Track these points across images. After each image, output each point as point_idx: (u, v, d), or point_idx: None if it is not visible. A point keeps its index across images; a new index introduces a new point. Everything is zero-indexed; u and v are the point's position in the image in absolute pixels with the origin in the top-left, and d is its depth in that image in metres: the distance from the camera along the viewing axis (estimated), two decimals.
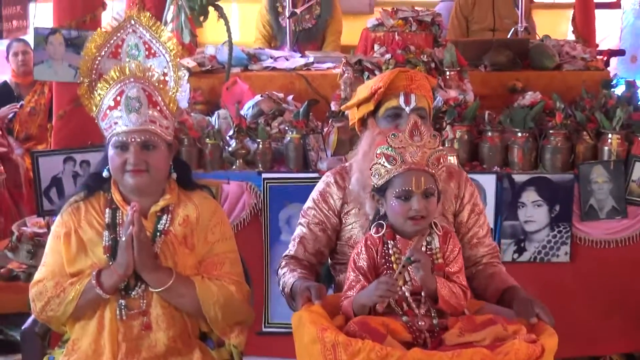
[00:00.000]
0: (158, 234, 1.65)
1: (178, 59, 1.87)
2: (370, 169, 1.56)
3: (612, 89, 2.95)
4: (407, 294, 1.49)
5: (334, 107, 2.86)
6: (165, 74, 1.74)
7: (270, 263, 2.64)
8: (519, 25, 3.67)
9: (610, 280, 2.64)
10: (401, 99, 1.75)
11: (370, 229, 1.59)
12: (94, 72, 1.72)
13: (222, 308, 1.64)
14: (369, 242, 1.56)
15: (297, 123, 2.66)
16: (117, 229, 1.64)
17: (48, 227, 2.84)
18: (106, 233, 1.62)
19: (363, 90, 1.81)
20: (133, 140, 1.59)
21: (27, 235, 2.74)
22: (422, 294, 1.50)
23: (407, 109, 1.72)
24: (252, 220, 2.63)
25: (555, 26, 4.62)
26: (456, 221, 1.81)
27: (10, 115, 4.05)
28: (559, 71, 3.23)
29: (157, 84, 1.67)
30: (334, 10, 4.02)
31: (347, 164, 1.88)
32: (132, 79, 1.60)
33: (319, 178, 2.33)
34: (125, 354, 1.59)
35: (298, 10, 3.72)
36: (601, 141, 2.59)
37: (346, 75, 2.85)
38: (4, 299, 2.76)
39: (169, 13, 3.10)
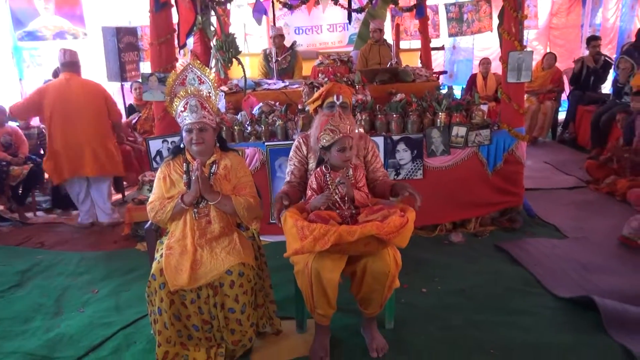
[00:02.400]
0: (211, 174, 2.41)
1: (216, 84, 2.56)
2: (318, 137, 2.32)
3: (440, 90, 4.48)
4: (337, 198, 2.33)
5: (300, 106, 4.10)
6: (209, 93, 2.50)
7: (272, 188, 3.94)
8: (393, 60, 5.20)
9: (443, 186, 3.94)
10: (334, 98, 2.58)
11: (316, 168, 2.39)
12: (171, 93, 2.49)
13: (247, 210, 2.37)
14: (316, 175, 2.39)
15: (282, 116, 3.98)
16: (189, 173, 2.37)
17: None
18: (184, 176, 2.39)
19: (315, 95, 2.74)
20: (195, 127, 2.32)
21: (147, 180, 4.09)
22: (345, 198, 2.31)
23: (337, 103, 2.58)
24: (261, 166, 3.92)
25: (411, 60, 6.32)
26: (364, 160, 2.60)
27: (134, 121, 5.69)
28: (414, 83, 4.63)
29: (205, 97, 2.42)
30: (298, 58, 5.69)
31: (308, 132, 2.63)
32: (192, 96, 2.36)
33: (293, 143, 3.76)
34: (199, 236, 2.38)
35: (279, 59, 5.36)
36: (436, 116, 3.93)
37: (305, 90, 4.25)
38: (138, 214, 4.03)
39: (212, 61, 4.53)
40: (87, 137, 4.38)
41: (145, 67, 7.29)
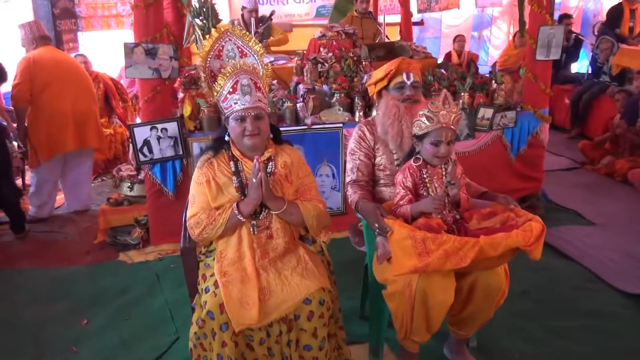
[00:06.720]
0: (269, 175, 1.95)
1: (263, 57, 2.04)
2: (412, 123, 1.95)
3: (441, 69, 3.99)
4: None
5: (307, 87, 3.58)
6: (255, 68, 1.99)
7: None
8: (383, 35, 4.92)
9: (465, 173, 3.78)
10: (404, 77, 2.17)
11: (410, 161, 1.99)
12: (207, 68, 2.01)
13: (317, 219, 1.97)
14: (411, 170, 1.96)
15: (291, 97, 3.45)
16: (240, 175, 1.93)
17: (137, 171, 3.45)
18: (235, 178, 1.93)
19: (378, 73, 2.21)
20: (249, 114, 1.88)
21: (125, 176, 3.41)
22: (446, 200, 1.89)
23: (408, 83, 2.16)
24: None
25: (391, 35, 5.91)
26: None
27: None
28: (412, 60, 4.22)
29: (258, 74, 1.94)
30: (273, 31, 5.23)
31: (370, 119, 2.31)
32: (243, 72, 1.88)
33: (306, 129, 3.30)
34: (260, 256, 1.91)
35: (258, 30, 4.82)
36: (457, 97, 3.55)
37: (308, 66, 3.84)
38: (114, 218, 3.40)
39: (187, 31, 3.79)
40: (88, 104, 4.15)
41: (85, 38, 6.27)
